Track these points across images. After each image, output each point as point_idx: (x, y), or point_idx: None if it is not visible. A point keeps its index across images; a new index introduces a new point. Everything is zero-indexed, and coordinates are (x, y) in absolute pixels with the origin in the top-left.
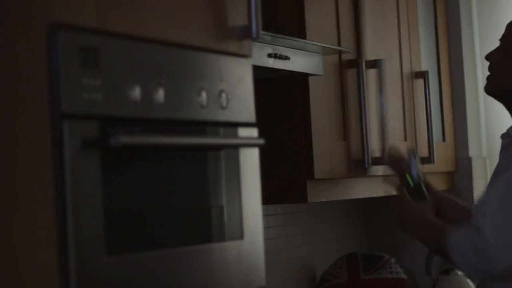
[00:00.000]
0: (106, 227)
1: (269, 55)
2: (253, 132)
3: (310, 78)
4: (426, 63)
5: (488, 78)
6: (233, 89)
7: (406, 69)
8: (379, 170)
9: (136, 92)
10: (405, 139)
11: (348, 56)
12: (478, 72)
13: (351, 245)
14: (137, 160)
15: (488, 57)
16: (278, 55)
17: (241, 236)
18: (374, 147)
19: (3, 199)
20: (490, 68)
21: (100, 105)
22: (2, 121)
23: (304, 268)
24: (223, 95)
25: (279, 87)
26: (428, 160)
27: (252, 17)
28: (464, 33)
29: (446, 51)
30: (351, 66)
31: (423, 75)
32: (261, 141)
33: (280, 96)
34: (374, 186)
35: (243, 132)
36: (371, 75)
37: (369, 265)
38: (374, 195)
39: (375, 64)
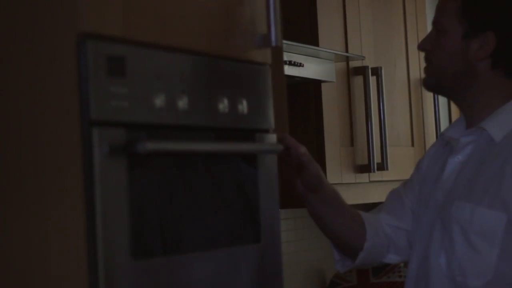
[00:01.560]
0: (132, 231)
1: (285, 62)
2: (272, 138)
3: (322, 84)
4: None
5: (425, 70)
6: (252, 96)
7: (414, 75)
8: (384, 175)
9: (161, 100)
10: (412, 145)
11: (355, 63)
12: None
13: None
14: (161, 165)
15: (419, 45)
16: (292, 62)
17: (259, 240)
18: (378, 153)
19: (34, 203)
20: (425, 58)
21: (127, 112)
22: (33, 128)
23: (314, 272)
24: (243, 102)
25: (292, 93)
26: None
27: (271, 26)
28: None
29: None
30: (357, 73)
31: None
32: (280, 148)
33: (293, 102)
34: (380, 191)
35: (262, 138)
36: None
37: (379, 269)
38: (382, 200)
39: (376, 71)
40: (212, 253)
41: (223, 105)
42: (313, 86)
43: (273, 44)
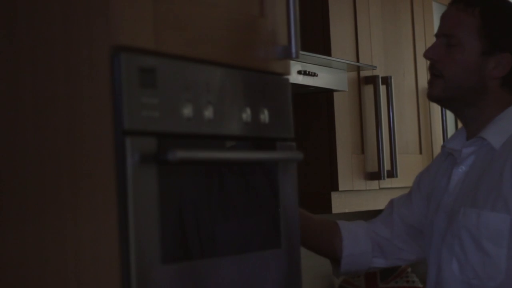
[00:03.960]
0: (162, 236)
1: (299, 72)
2: (292, 147)
3: (334, 93)
4: None
5: (432, 81)
6: (274, 106)
7: (422, 84)
8: (393, 182)
9: (189, 110)
10: (420, 153)
11: (366, 72)
12: None
13: None
14: (189, 172)
15: (427, 54)
16: (307, 72)
17: (279, 245)
18: (388, 160)
19: (69, 210)
20: (432, 68)
21: (157, 122)
22: (68, 137)
23: (323, 277)
24: (265, 112)
25: (305, 102)
26: None
27: (292, 38)
28: None
29: None
30: (368, 82)
31: None
32: (300, 156)
33: (306, 111)
34: (389, 198)
35: (283, 147)
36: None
37: (386, 274)
38: None
39: (386, 80)
40: (237, 258)
41: (246, 114)
42: (325, 95)
43: (294, 55)
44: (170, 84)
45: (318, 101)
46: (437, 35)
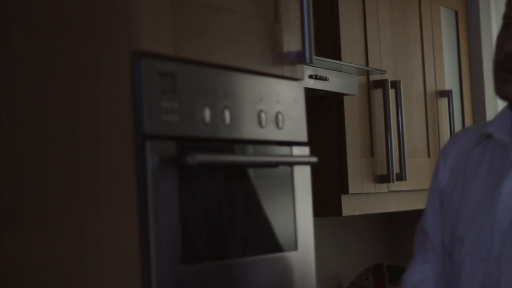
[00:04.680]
0: (182, 237)
1: (310, 76)
2: (305, 150)
3: (345, 97)
4: (448, 82)
5: (509, 78)
6: (288, 110)
7: (430, 88)
8: (402, 185)
9: (207, 114)
10: (428, 156)
11: (375, 76)
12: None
13: (376, 257)
14: (207, 176)
15: (509, 45)
16: (318, 76)
17: (295, 247)
18: (397, 163)
19: (90, 212)
20: (510, 62)
21: (177, 127)
22: (89, 141)
23: (332, 279)
24: (279, 116)
25: (316, 106)
26: None
27: (305, 44)
28: (484, 53)
29: (468, 71)
30: (377, 86)
31: (447, 94)
32: (314, 159)
33: (317, 114)
34: (399, 201)
35: (297, 150)
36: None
37: (395, 276)
38: (401, 209)
39: (395, 84)
40: (255, 259)
41: (261, 119)
42: (335, 99)
43: (307, 61)
44: (189, 89)
45: (328, 105)
46: (511, 21)
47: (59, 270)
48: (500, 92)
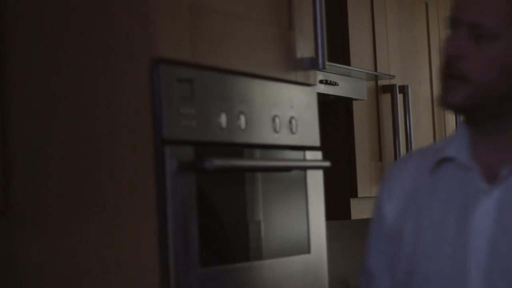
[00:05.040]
0: (200, 240)
1: (321, 81)
2: (318, 155)
3: (354, 102)
4: None
5: (451, 84)
6: (301, 115)
7: (437, 92)
8: None
9: (223, 119)
10: None
11: (383, 81)
12: None
13: None
14: (224, 179)
15: (450, 50)
16: (328, 81)
17: (308, 250)
18: None
19: (110, 215)
20: (450, 67)
21: (195, 132)
22: (110, 146)
23: (339, 281)
24: (293, 121)
25: (326, 110)
26: None
27: (319, 50)
28: None
29: None
30: (386, 91)
31: None
32: (327, 164)
33: (326, 119)
34: None
35: (309, 155)
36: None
37: None
38: None
39: (403, 89)
40: (270, 263)
41: (276, 124)
42: (344, 104)
43: (320, 67)
44: (206, 95)
45: (337, 109)
46: (455, 24)
47: (79, 271)
48: (442, 101)
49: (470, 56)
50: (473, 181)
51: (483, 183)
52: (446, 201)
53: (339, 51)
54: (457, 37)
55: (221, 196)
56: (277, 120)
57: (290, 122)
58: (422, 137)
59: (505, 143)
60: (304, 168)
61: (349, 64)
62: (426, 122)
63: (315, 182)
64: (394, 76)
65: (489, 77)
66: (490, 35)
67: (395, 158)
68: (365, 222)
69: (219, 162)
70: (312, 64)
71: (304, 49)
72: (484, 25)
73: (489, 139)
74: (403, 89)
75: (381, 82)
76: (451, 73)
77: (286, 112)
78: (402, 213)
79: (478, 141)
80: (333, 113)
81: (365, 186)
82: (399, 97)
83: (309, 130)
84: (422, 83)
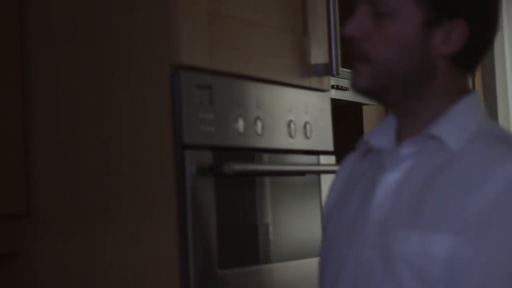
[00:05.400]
0: (219, 243)
1: (332, 87)
2: (332, 159)
3: (363, 107)
4: None
5: (356, 67)
6: (315, 120)
7: None
8: None
9: (240, 125)
10: None
11: None
12: (509, 96)
13: None
14: (242, 183)
15: (349, 31)
16: (339, 87)
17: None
18: None
19: (131, 218)
20: (355, 49)
21: (213, 137)
22: (131, 151)
23: None
24: (308, 126)
25: (337, 115)
26: None
27: (333, 57)
28: (496, 53)
29: (480, 73)
30: None
31: None
32: None
33: (335, 124)
34: None
35: (323, 159)
36: None
37: None
38: None
39: None
40: (285, 265)
41: (290, 129)
42: (354, 109)
43: (334, 73)
44: (224, 100)
45: (347, 114)
46: (357, 2)
47: (100, 274)
48: (352, 86)
49: (370, 36)
50: (382, 163)
51: (389, 163)
52: (364, 187)
53: (349, 57)
54: (359, 16)
55: (238, 200)
56: (292, 125)
57: (304, 127)
58: None
59: (415, 125)
60: (318, 173)
61: None
62: None
63: (329, 185)
64: None
65: (390, 56)
66: (389, 12)
67: None
68: None
69: (237, 166)
70: (326, 70)
71: (318, 55)
72: (382, 1)
73: (404, 122)
74: None
75: None
76: (357, 56)
77: (300, 117)
78: (334, 204)
79: (399, 125)
80: (343, 117)
81: None
82: None
83: (323, 135)
84: None
